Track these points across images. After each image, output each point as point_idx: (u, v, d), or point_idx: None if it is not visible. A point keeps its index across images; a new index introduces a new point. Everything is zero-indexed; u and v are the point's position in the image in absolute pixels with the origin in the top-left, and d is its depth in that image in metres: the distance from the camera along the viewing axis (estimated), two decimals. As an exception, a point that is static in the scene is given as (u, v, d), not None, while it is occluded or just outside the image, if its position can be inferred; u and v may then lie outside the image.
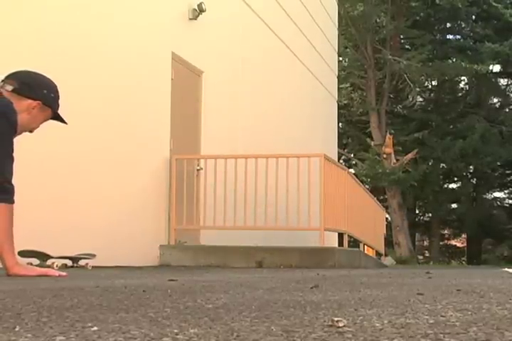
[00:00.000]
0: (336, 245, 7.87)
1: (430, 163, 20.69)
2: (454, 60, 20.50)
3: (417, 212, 24.73)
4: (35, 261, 3.86)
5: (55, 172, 4.43)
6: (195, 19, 6.20)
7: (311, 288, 1.96)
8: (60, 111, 2.80)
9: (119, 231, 5.05)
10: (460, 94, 23.04)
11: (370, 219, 8.31)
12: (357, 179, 7.66)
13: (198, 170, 6.09)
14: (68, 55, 4.56)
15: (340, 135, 16.53)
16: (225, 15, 7.09)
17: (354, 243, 7.74)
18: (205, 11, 6.22)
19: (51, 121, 2.85)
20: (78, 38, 4.69)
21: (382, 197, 19.28)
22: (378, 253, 8.94)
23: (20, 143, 2.70)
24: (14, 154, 2.56)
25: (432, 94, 22.82)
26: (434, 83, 22.50)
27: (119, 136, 5.15)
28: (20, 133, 2.68)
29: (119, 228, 5.06)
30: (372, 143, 19.18)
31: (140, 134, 5.45)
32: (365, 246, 7.91)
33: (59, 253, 4.08)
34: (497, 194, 23.95)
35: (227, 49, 7.13)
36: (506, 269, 6.38)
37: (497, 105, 23.14)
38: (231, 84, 7.21)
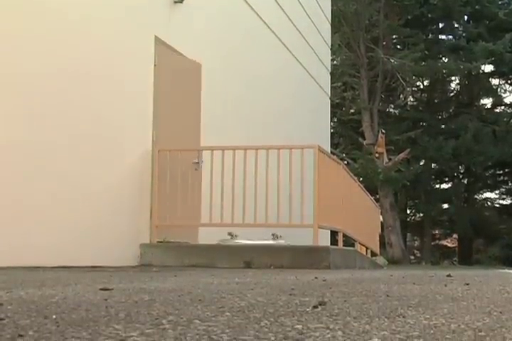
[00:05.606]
0: (329, 244, 7.49)
1: (422, 163, 20.45)
2: (447, 59, 20.29)
3: (408, 212, 24.47)
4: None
5: (19, 164, 3.99)
6: (181, 2, 5.82)
7: (314, 307, 1.35)
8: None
9: (95, 228, 4.64)
10: (452, 94, 22.88)
11: (365, 216, 7.94)
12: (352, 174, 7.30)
13: (194, 163, 5.77)
14: (39, 40, 4.16)
15: (332, 134, 16.22)
16: (213, 1, 6.69)
17: (346, 242, 7.36)
18: (191, -6, 5.84)
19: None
20: (47, 19, 4.29)
21: (374, 197, 19.00)
22: (372, 253, 8.58)
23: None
24: None
25: (424, 94, 22.62)
26: (426, 83, 22.31)
27: (96, 124, 4.74)
28: None
29: (94, 224, 4.64)
30: (364, 143, 18.93)
31: (119, 124, 5.04)
32: (359, 245, 7.54)
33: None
34: (488, 194, 23.81)
35: (215, 36, 6.75)
36: None
37: (489, 105, 23.00)
38: (218, 72, 6.82)
